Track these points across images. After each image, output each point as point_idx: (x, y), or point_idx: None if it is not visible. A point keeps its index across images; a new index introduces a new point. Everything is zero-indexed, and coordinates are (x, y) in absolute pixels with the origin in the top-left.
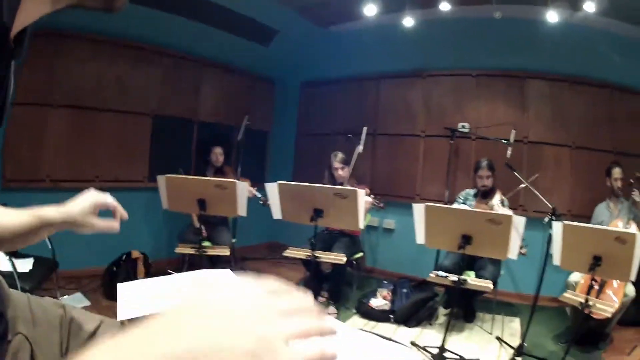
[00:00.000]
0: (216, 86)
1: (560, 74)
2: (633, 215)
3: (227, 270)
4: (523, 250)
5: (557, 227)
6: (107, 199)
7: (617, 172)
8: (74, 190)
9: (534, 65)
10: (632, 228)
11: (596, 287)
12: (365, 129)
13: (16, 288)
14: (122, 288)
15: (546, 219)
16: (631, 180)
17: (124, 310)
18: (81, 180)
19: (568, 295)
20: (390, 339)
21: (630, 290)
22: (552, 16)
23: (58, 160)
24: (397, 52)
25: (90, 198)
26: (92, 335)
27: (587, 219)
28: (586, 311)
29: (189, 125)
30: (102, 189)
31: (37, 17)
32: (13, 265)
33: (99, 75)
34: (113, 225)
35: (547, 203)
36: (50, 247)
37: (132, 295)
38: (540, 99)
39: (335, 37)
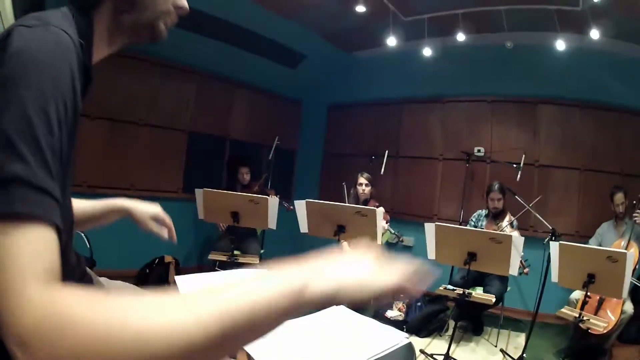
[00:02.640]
0: (246, 106)
1: (570, 98)
2: (636, 236)
3: (265, 270)
4: (526, 270)
5: (554, 247)
6: (166, 218)
7: (618, 197)
8: (109, 196)
9: (544, 90)
10: (633, 248)
11: (594, 304)
12: (387, 152)
13: None
14: (181, 280)
15: (546, 240)
16: (634, 201)
17: None
18: (116, 187)
19: (564, 310)
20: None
21: (628, 307)
22: (560, 44)
23: (94, 167)
24: (417, 79)
25: (155, 208)
26: None
27: None
28: (582, 326)
29: (222, 142)
30: (137, 197)
31: (99, 60)
32: None
33: (129, 90)
34: (162, 232)
35: (547, 224)
36: (88, 246)
37: (192, 286)
38: (551, 123)
39: (359, 61)
